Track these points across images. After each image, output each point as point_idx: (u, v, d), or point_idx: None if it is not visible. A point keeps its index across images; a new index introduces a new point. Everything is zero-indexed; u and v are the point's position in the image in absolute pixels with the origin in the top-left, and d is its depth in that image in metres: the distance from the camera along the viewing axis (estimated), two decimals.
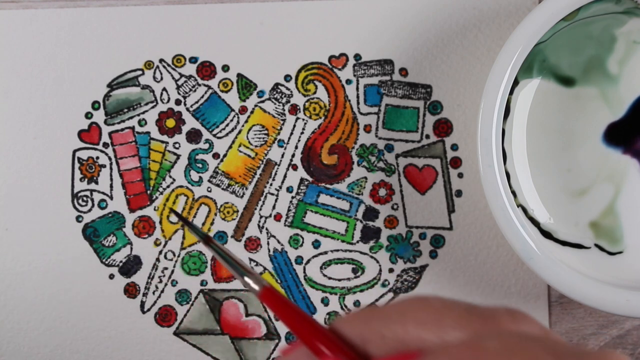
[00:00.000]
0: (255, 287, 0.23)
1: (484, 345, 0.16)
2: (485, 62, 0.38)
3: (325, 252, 0.38)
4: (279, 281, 0.38)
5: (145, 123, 0.39)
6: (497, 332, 0.17)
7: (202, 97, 0.38)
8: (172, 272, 0.38)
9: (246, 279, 0.23)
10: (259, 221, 0.38)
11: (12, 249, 0.38)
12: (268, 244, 0.38)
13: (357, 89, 0.38)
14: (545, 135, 0.36)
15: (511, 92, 0.35)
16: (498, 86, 0.33)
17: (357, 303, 0.38)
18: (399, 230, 0.38)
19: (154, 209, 0.38)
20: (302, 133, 0.38)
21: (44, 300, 0.38)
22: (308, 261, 0.38)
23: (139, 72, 0.38)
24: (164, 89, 0.38)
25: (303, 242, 0.38)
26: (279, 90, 0.38)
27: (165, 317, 0.38)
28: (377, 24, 0.38)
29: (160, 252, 0.38)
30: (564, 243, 0.35)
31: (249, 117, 0.38)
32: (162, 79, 0.38)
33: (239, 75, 0.38)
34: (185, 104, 0.38)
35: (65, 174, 0.38)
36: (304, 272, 0.38)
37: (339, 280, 0.38)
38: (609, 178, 0.36)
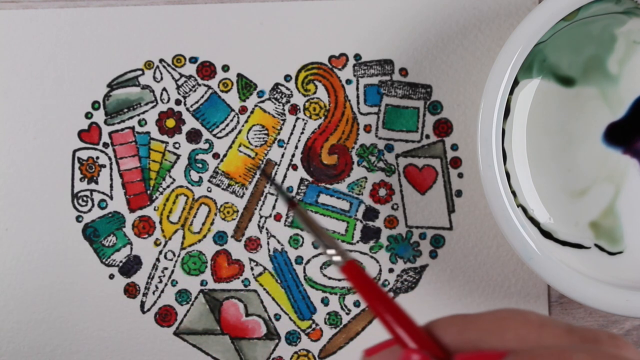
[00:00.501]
0: (339, 259, 0.22)
1: (572, 355, 0.16)
2: (485, 62, 0.38)
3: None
4: (279, 281, 0.38)
5: (145, 123, 0.39)
6: (589, 348, 0.17)
7: (202, 97, 0.38)
8: (172, 272, 0.38)
9: (329, 251, 0.22)
10: (259, 221, 0.38)
11: (12, 249, 0.38)
12: (268, 244, 0.38)
13: (357, 89, 0.38)
14: (545, 135, 0.36)
15: (511, 92, 0.35)
16: (498, 86, 0.32)
17: (357, 303, 0.38)
18: (399, 230, 0.38)
19: (154, 209, 0.38)
20: (302, 133, 0.38)
21: (44, 300, 0.38)
22: (308, 261, 0.38)
23: (139, 72, 0.38)
24: (164, 89, 0.38)
25: (303, 242, 0.38)
26: (279, 90, 0.38)
27: (165, 317, 0.38)
28: (377, 24, 0.38)
29: (160, 252, 0.38)
30: (564, 243, 0.35)
31: (249, 117, 0.38)
32: (162, 79, 0.38)
33: (239, 75, 0.38)
34: (185, 104, 0.38)
35: (65, 174, 0.38)
36: (304, 272, 0.38)
37: (339, 280, 0.38)
38: (609, 178, 0.36)
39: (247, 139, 0.38)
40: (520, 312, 0.18)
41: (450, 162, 0.38)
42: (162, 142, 0.38)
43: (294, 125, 0.38)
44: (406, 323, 0.19)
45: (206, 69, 0.38)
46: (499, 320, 0.18)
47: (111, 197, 0.39)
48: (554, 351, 0.16)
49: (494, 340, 0.17)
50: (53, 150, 0.38)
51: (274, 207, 0.38)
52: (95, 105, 0.39)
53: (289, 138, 0.38)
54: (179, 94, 0.38)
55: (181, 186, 0.38)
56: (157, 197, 0.38)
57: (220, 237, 0.38)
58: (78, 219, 0.39)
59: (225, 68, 0.38)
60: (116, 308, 0.38)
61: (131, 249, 0.38)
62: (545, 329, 0.17)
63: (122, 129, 0.39)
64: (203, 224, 0.38)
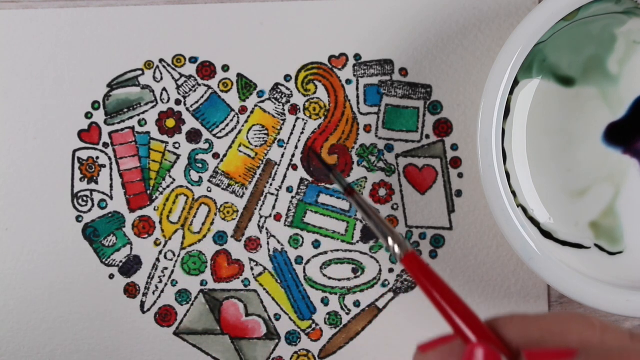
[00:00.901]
0: (398, 250, 0.21)
1: (631, 351, 0.16)
2: (485, 62, 0.38)
3: (325, 252, 0.38)
4: (279, 281, 0.38)
5: (145, 123, 0.39)
6: None
7: (202, 97, 0.38)
8: (172, 272, 0.38)
9: (390, 240, 0.22)
10: (259, 221, 0.38)
11: (12, 249, 0.38)
12: (268, 244, 0.38)
13: (357, 89, 0.38)
14: (545, 135, 0.36)
15: (511, 92, 0.35)
16: (498, 86, 0.32)
17: (357, 303, 0.38)
18: (399, 230, 0.38)
19: (154, 209, 0.38)
20: (302, 133, 0.38)
21: (44, 300, 0.38)
22: (308, 261, 0.38)
23: (139, 72, 0.38)
24: (164, 89, 0.38)
25: (303, 242, 0.38)
26: (279, 90, 0.38)
27: (165, 317, 0.38)
28: (377, 24, 0.38)
29: (160, 252, 0.38)
30: (564, 243, 0.35)
31: (249, 117, 0.38)
32: (162, 79, 0.38)
33: (239, 75, 0.38)
34: (185, 104, 0.38)
35: (65, 174, 0.38)
36: (304, 272, 0.38)
37: (339, 280, 0.38)
38: (609, 178, 0.36)
39: (247, 139, 0.38)
40: (582, 316, 0.18)
41: (450, 162, 0.38)
42: (162, 142, 0.38)
43: (294, 125, 0.38)
44: (469, 317, 0.19)
45: (206, 69, 0.38)
46: (562, 321, 0.18)
47: (111, 197, 0.39)
48: (624, 352, 0.16)
49: (556, 341, 0.17)
50: (53, 150, 0.38)
51: (274, 207, 0.38)
52: (95, 105, 0.39)
53: (289, 138, 0.38)
54: (179, 94, 0.38)
55: (181, 186, 0.38)
56: (157, 197, 0.38)
57: (220, 237, 0.38)
58: (78, 219, 0.39)
59: (225, 68, 0.38)
60: (116, 308, 0.38)
61: (131, 249, 0.38)
62: (608, 332, 0.17)
63: (122, 129, 0.39)
64: (203, 224, 0.38)
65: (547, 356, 0.17)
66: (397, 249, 0.21)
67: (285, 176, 0.38)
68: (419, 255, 0.20)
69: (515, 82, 0.35)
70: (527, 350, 0.17)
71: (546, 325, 0.18)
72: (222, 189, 0.38)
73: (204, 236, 0.38)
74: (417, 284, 0.21)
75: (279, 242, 0.38)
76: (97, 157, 0.39)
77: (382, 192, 0.38)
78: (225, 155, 0.38)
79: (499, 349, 0.18)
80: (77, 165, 0.39)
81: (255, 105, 0.38)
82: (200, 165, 0.38)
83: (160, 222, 0.38)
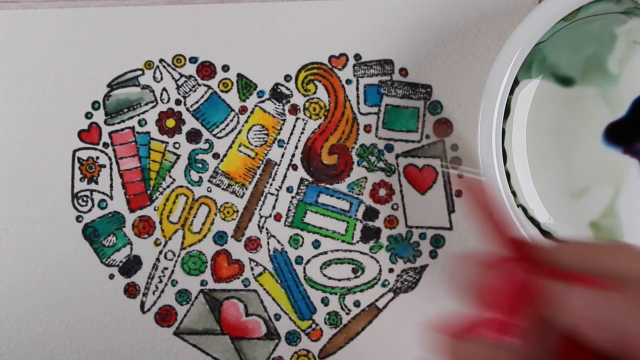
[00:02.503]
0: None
1: None
2: (485, 62, 0.38)
3: (325, 252, 0.38)
4: (279, 281, 0.38)
5: (145, 123, 0.39)
6: None
7: (202, 97, 0.38)
8: (172, 272, 0.38)
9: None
10: (259, 221, 0.38)
11: (12, 249, 0.38)
12: (268, 244, 0.38)
13: (357, 89, 0.38)
14: (545, 135, 0.36)
15: (511, 92, 0.35)
16: (498, 86, 0.32)
17: (357, 303, 0.38)
18: (399, 230, 0.38)
19: (154, 209, 0.38)
20: (302, 133, 0.38)
21: (44, 300, 0.38)
22: (308, 261, 0.38)
23: (139, 72, 0.38)
24: (164, 89, 0.38)
25: (303, 242, 0.38)
26: (278, 91, 0.38)
27: (165, 317, 0.38)
28: (377, 24, 0.38)
29: (160, 252, 0.38)
30: None
31: (249, 117, 0.38)
32: (162, 79, 0.38)
33: (239, 75, 0.38)
34: (185, 104, 0.38)
35: (65, 174, 0.38)
36: (304, 272, 0.38)
37: (339, 280, 0.38)
38: (609, 178, 0.36)
39: (247, 139, 0.38)
40: (632, 246, 0.19)
41: (450, 162, 0.38)
42: (162, 142, 0.38)
43: (294, 125, 0.38)
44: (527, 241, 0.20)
45: (206, 69, 0.38)
46: (614, 250, 0.19)
47: (111, 197, 0.39)
48: None
49: (606, 262, 0.18)
50: (53, 150, 0.38)
51: (274, 207, 0.38)
52: (95, 105, 0.39)
53: (289, 138, 0.38)
54: (179, 94, 0.38)
55: (181, 186, 0.38)
56: (157, 197, 0.38)
57: (220, 237, 0.38)
58: (78, 219, 0.39)
59: (225, 68, 0.38)
60: (116, 308, 0.38)
61: (131, 249, 0.38)
62: None
63: (122, 129, 0.39)
64: (203, 224, 0.38)
65: (599, 285, 0.17)
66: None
67: (285, 176, 0.38)
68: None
69: (515, 82, 0.35)
70: (579, 275, 0.18)
71: (598, 251, 0.19)
72: (222, 189, 0.38)
73: (204, 236, 0.38)
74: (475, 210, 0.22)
75: (279, 242, 0.38)
76: (97, 157, 0.39)
77: (382, 192, 0.38)
78: (225, 155, 0.38)
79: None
80: (77, 165, 0.39)
81: (255, 105, 0.38)
82: (200, 165, 0.38)
83: (160, 222, 0.38)
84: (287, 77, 0.38)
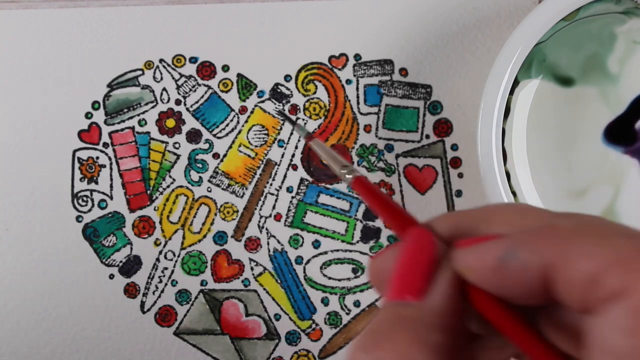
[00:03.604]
0: (349, 176, 0.25)
1: (557, 224, 0.17)
2: (485, 62, 0.38)
3: (325, 252, 0.38)
4: (279, 281, 0.38)
5: (145, 123, 0.39)
6: (572, 215, 0.18)
7: (202, 97, 0.38)
8: (172, 272, 0.38)
9: (342, 171, 0.26)
10: (259, 221, 0.38)
11: (12, 249, 0.38)
12: (268, 244, 0.38)
13: (357, 89, 0.38)
14: (545, 135, 0.36)
15: (511, 92, 0.35)
16: (498, 86, 0.33)
17: (357, 303, 0.38)
18: None
19: (154, 209, 0.38)
20: None
21: (44, 300, 0.38)
22: (308, 261, 0.38)
23: (139, 72, 0.38)
24: (164, 89, 0.38)
25: (303, 242, 0.38)
26: (279, 91, 0.38)
27: (165, 317, 0.38)
28: (377, 24, 0.38)
29: (160, 252, 0.38)
30: None
31: (249, 117, 0.38)
32: (162, 79, 0.38)
33: (239, 75, 0.38)
34: (185, 104, 0.38)
35: (65, 174, 0.38)
36: (304, 272, 0.38)
37: (339, 280, 0.38)
38: (609, 178, 0.36)
39: (247, 139, 0.38)
40: (509, 204, 0.19)
41: (450, 162, 0.38)
42: (162, 142, 0.38)
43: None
44: (409, 219, 0.21)
45: (206, 69, 0.38)
46: (489, 211, 0.19)
47: (111, 197, 0.39)
48: (540, 227, 0.17)
49: (484, 228, 0.19)
50: (53, 150, 0.38)
51: (274, 207, 0.38)
52: (95, 105, 0.39)
53: (289, 138, 0.38)
54: (179, 94, 0.38)
55: (181, 186, 0.38)
56: (157, 197, 0.38)
57: (220, 237, 0.38)
58: (78, 219, 0.39)
59: (225, 68, 0.38)
60: (116, 308, 0.38)
61: (131, 249, 0.38)
62: (530, 212, 0.19)
63: (122, 129, 0.39)
64: (203, 224, 0.38)
65: (473, 242, 0.18)
66: (348, 176, 0.25)
67: (285, 176, 0.38)
68: (366, 179, 0.25)
69: (515, 82, 0.35)
70: (458, 240, 0.19)
71: (475, 216, 0.20)
72: (222, 189, 0.38)
73: (204, 236, 0.38)
74: (366, 203, 0.25)
75: (279, 242, 0.38)
76: (97, 157, 0.39)
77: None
78: (225, 155, 0.38)
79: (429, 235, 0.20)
80: (77, 165, 0.39)
81: (255, 105, 0.38)
82: (200, 165, 0.38)
83: (160, 222, 0.38)
84: (287, 77, 0.38)
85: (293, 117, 0.38)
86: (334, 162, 0.27)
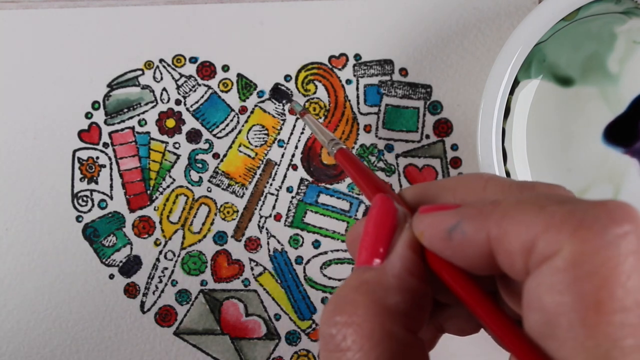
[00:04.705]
0: (334, 149, 0.27)
1: (502, 200, 0.17)
2: (485, 62, 0.38)
3: (325, 252, 0.38)
4: (279, 281, 0.38)
5: (145, 123, 0.39)
6: (531, 186, 0.19)
7: (202, 97, 0.38)
8: (172, 272, 0.38)
9: (329, 144, 0.27)
10: (259, 221, 0.38)
11: (12, 249, 0.38)
12: (268, 244, 0.38)
13: (357, 89, 0.38)
14: (545, 135, 0.36)
15: (511, 92, 0.35)
16: (498, 86, 0.33)
17: None
18: None
19: (154, 209, 0.38)
20: (302, 133, 0.38)
21: (44, 300, 0.38)
22: (308, 261, 0.38)
23: (139, 72, 0.38)
24: (164, 89, 0.38)
25: (303, 242, 0.38)
26: (278, 91, 0.38)
27: (165, 317, 0.38)
28: (377, 24, 0.38)
29: (160, 252, 0.38)
30: None
31: (249, 117, 0.38)
32: (162, 79, 0.38)
33: (239, 75, 0.38)
34: (185, 104, 0.38)
35: (65, 174, 0.38)
36: (304, 272, 0.38)
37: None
38: (609, 178, 0.36)
39: (247, 139, 0.38)
40: (475, 174, 0.20)
41: (450, 162, 0.38)
42: (162, 142, 0.38)
43: (294, 125, 0.38)
44: (380, 187, 0.22)
45: (206, 69, 0.38)
46: (455, 180, 0.20)
47: (111, 197, 0.39)
48: (491, 201, 0.18)
49: (448, 196, 0.20)
50: (53, 150, 0.38)
51: (274, 207, 0.38)
52: (95, 105, 0.39)
53: (289, 138, 0.38)
54: (179, 94, 0.38)
55: (181, 186, 0.38)
56: (157, 197, 0.38)
57: (220, 237, 0.38)
58: (78, 219, 0.39)
59: (225, 68, 0.38)
60: (116, 308, 0.38)
61: (131, 249, 0.38)
62: (490, 184, 0.19)
63: (122, 129, 0.39)
64: (203, 224, 0.38)
65: (433, 210, 0.19)
66: (333, 149, 0.27)
67: (285, 176, 0.38)
68: (349, 150, 0.26)
69: (515, 82, 0.35)
70: (422, 207, 0.20)
71: (443, 185, 0.20)
72: (222, 189, 0.38)
73: (204, 236, 0.38)
74: (347, 173, 0.26)
75: (279, 242, 0.38)
76: (97, 157, 0.39)
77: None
78: (225, 155, 0.38)
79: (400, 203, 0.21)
80: (77, 165, 0.39)
81: (255, 105, 0.38)
82: (200, 165, 0.38)
83: (160, 222, 0.38)
84: (287, 77, 0.38)
85: (288, 92, 0.38)
86: (323, 136, 0.28)
